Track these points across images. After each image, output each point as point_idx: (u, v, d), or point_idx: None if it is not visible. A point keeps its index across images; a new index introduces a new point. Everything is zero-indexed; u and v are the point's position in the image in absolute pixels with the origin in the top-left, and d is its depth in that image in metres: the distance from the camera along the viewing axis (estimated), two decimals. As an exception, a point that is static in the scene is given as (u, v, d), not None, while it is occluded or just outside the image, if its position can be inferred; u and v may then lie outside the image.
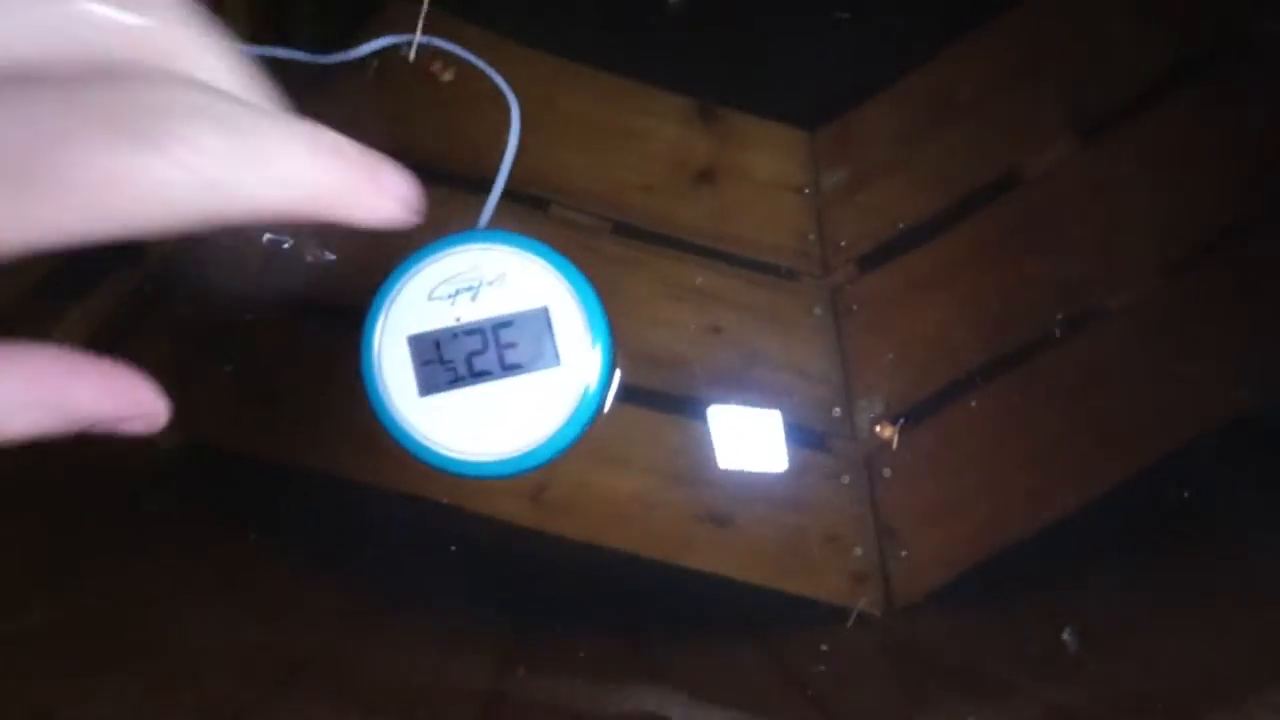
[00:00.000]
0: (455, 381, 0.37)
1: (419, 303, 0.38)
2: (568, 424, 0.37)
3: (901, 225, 0.56)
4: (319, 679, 0.39)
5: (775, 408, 0.54)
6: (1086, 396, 0.50)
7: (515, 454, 0.37)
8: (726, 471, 0.53)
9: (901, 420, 0.53)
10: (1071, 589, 0.46)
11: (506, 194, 0.55)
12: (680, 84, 0.59)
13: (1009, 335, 0.52)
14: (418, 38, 0.56)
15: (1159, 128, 0.54)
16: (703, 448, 0.54)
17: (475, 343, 0.37)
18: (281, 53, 0.54)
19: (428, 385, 0.36)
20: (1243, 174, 0.52)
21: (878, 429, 0.53)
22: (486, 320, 0.37)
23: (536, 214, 0.56)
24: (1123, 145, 0.54)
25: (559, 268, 0.38)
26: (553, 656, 0.45)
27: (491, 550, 0.52)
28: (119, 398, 0.17)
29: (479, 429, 0.37)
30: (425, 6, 0.57)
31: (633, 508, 0.53)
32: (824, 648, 0.50)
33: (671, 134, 0.59)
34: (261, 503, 0.51)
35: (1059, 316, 0.51)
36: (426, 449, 0.37)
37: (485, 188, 0.55)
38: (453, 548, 0.51)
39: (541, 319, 0.37)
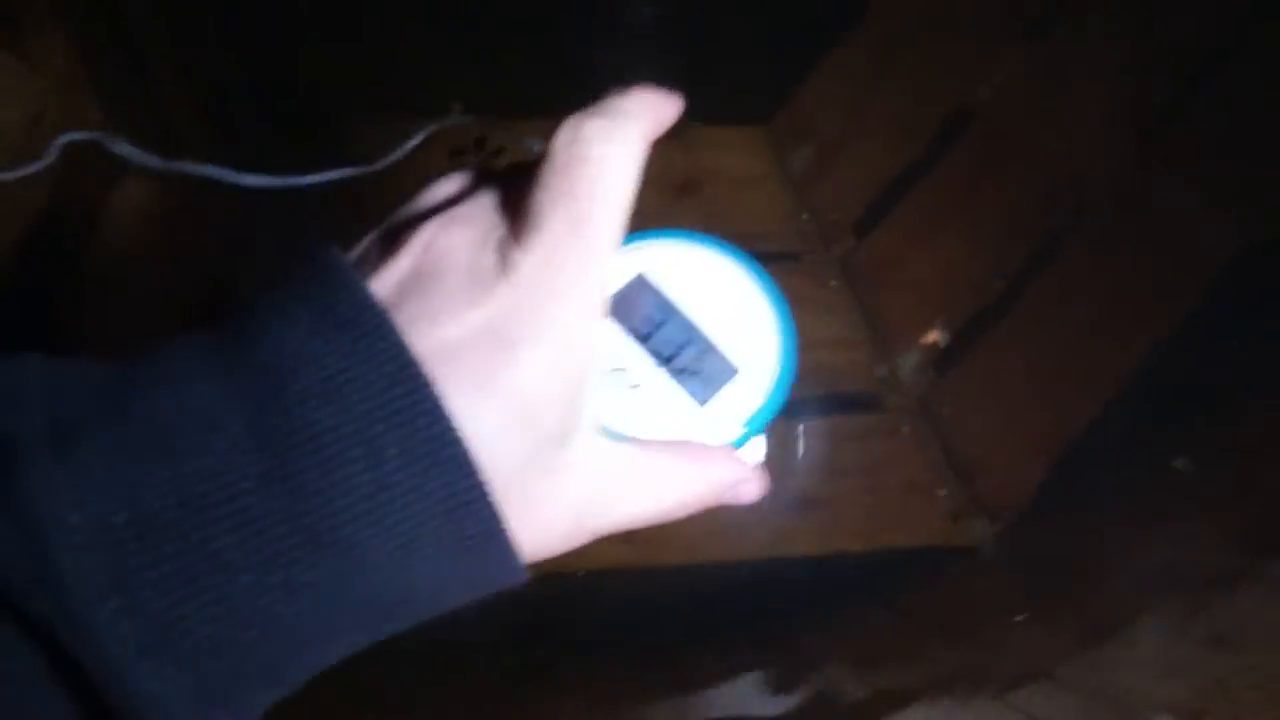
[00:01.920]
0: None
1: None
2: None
3: (880, 183, 0.58)
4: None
5: (818, 387, 0.56)
6: (1103, 278, 0.53)
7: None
8: (801, 460, 0.55)
9: (944, 330, 0.55)
10: (1168, 430, 0.48)
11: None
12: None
13: (1017, 249, 0.55)
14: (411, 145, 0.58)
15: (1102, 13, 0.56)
16: (770, 443, 0.55)
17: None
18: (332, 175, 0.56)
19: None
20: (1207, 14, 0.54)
21: (925, 340, 0.55)
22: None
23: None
24: (1070, 36, 0.56)
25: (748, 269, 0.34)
26: (717, 669, 0.46)
27: (612, 599, 0.53)
28: (741, 466, 0.25)
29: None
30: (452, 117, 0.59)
31: (720, 520, 0.55)
32: (946, 588, 0.51)
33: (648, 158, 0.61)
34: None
35: (1055, 217, 0.54)
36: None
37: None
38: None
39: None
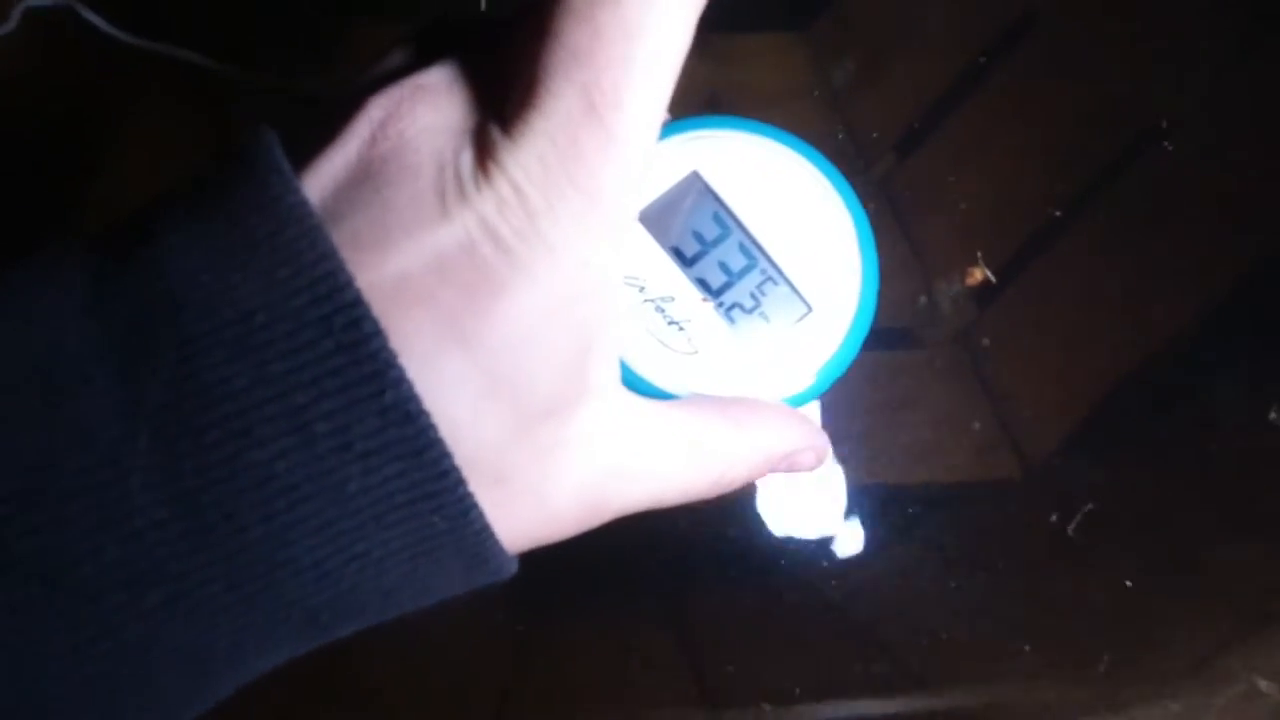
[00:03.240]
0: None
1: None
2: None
3: (927, 100, 0.55)
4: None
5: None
6: (1167, 213, 0.50)
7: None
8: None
9: (982, 261, 0.53)
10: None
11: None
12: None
13: (1072, 175, 0.51)
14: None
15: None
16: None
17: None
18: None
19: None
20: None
21: (969, 279, 0.53)
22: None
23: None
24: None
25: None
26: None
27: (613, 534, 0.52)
28: (798, 431, 0.21)
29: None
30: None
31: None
32: (973, 525, 0.50)
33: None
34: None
35: (1117, 142, 0.51)
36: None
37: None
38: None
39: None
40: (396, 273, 0.13)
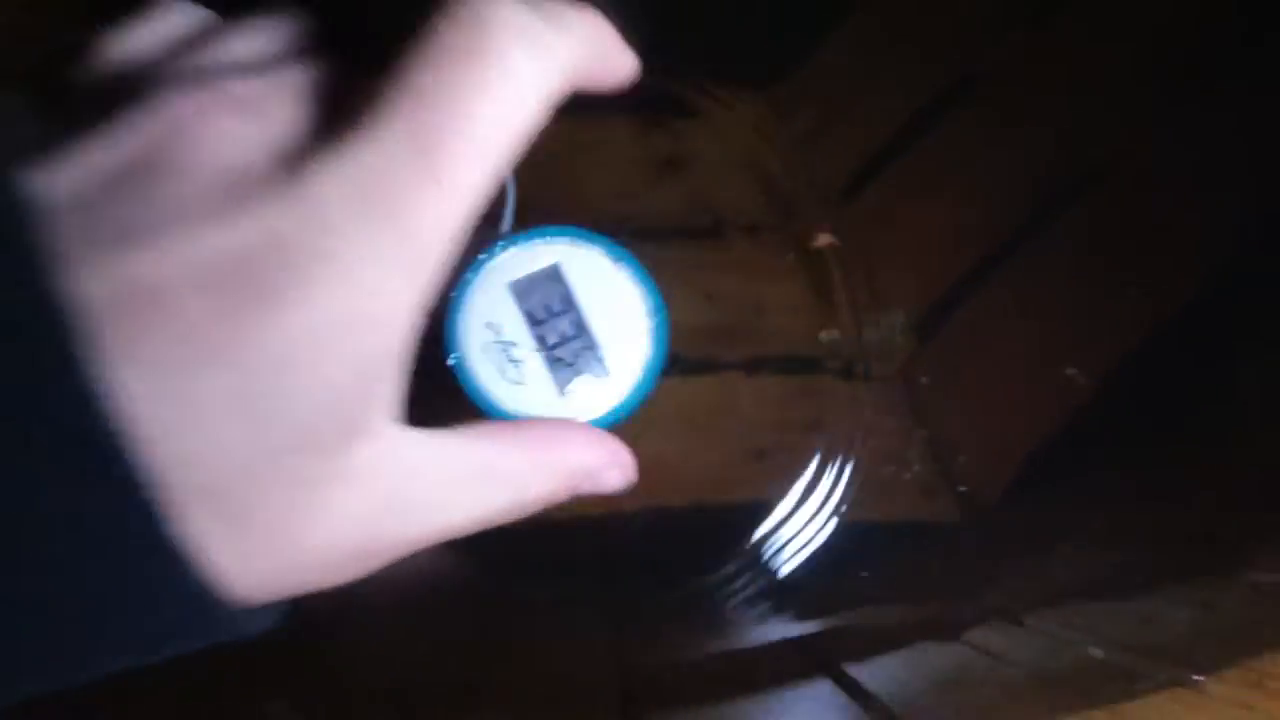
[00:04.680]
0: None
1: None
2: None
3: (870, 152, 0.57)
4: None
5: (798, 352, 0.55)
6: (1103, 253, 0.51)
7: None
8: (774, 421, 0.53)
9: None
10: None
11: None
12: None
13: (1009, 218, 0.53)
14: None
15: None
16: (730, 399, 0.54)
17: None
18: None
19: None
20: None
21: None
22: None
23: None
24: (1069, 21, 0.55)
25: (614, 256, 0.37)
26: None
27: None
28: (599, 449, 0.21)
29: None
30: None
31: (697, 470, 0.53)
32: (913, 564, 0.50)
33: (625, 132, 0.61)
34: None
35: (1050, 189, 0.52)
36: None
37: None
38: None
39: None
40: (142, 272, 0.12)
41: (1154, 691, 0.28)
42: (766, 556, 0.52)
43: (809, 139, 0.58)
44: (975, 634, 0.40)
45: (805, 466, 0.52)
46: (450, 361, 0.36)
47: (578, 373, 0.34)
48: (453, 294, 0.38)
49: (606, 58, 0.19)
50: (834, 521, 0.52)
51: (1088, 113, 0.54)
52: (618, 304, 0.36)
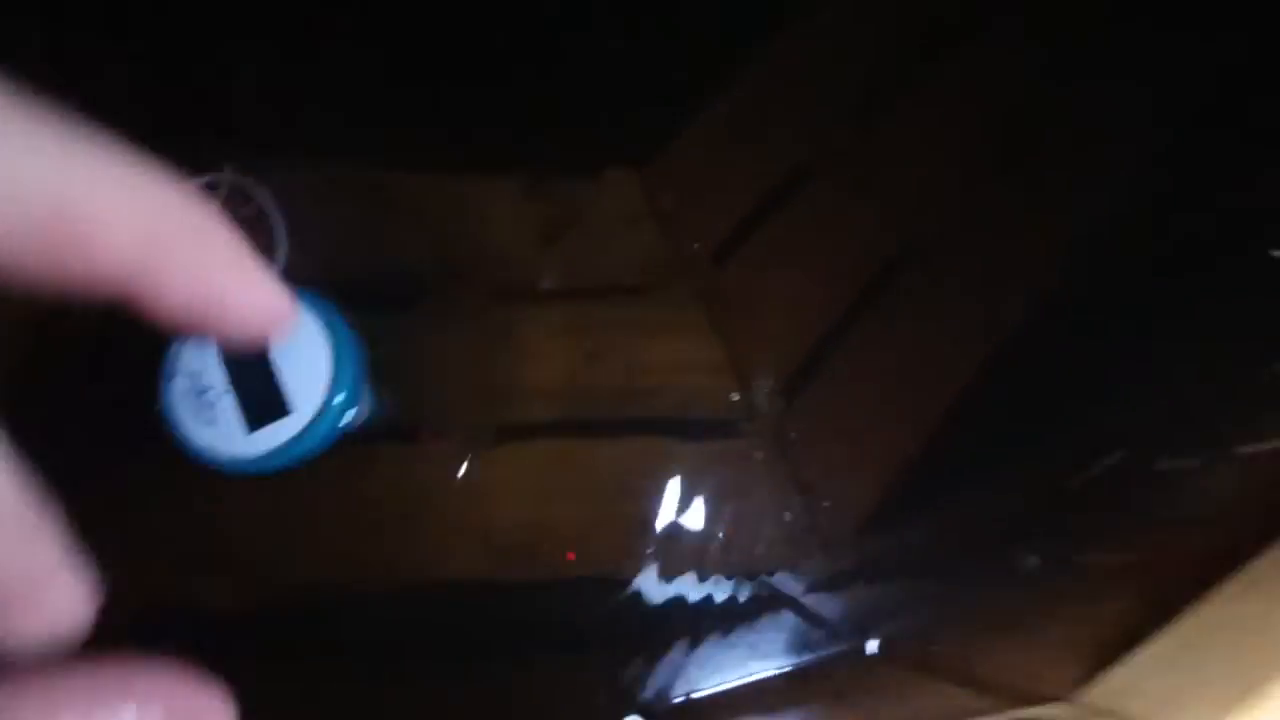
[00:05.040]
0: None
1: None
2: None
3: (741, 216, 0.62)
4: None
5: (670, 413, 0.58)
6: (928, 314, 0.58)
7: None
8: (652, 480, 0.56)
9: None
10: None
11: (387, 291, 0.58)
12: (505, 160, 0.63)
13: (860, 279, 0.59)
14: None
15: (936, 85, 0.63)
16: (621, 463, 0.57)
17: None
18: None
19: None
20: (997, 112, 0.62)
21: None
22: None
23: (420, 304, 0.59)
24: (897, 118, 0.63)
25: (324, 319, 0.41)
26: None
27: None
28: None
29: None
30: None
31: (575, 531, 0.55)
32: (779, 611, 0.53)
33: (514, 207, 0.63)
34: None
35: (886, 258, 0.59)
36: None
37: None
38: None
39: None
40: None
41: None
42: (649, 620, 0.54)
43: (679, 210, 0.63)
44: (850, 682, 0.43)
45: (691, 525, 0.55)
46: (158, 407, 0.41)
47: (265, 413, 0.38)
48: (165, 343, 0.41)
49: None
50: (719, 578, 0.55)
51: (905, 197, 0.61)
52: (308, 352, 0.40)
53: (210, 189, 0.56)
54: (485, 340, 0.59)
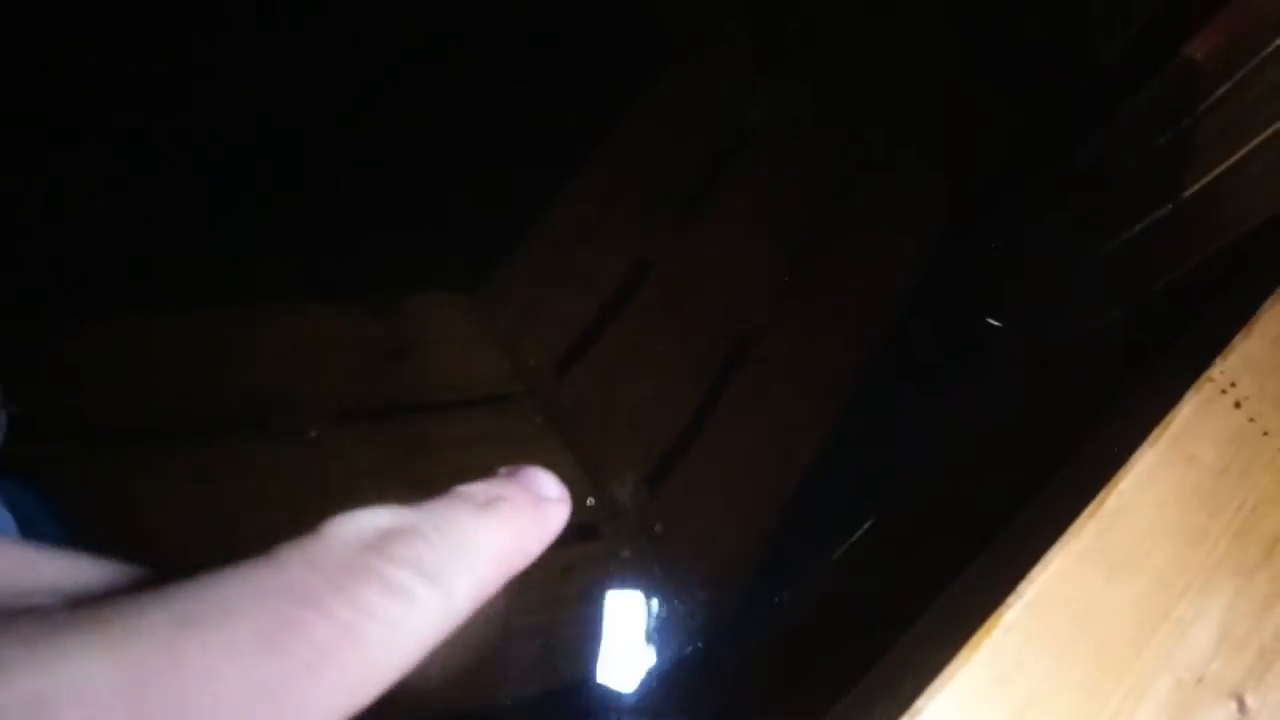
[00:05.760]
0: None
1: None
2: None
3: (576, 331, 0.64)
4: None
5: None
6: (770, 394, 0.62)
7: None
8: (519, 593, 0.54)
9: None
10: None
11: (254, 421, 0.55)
12: (344, 285, 0.63)
13: (700, 379, 0.62)
14: None
15: (736, 190, 0.70)
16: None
17: None
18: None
19: None
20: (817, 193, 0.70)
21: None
22: None
23: (260, 432, 0.56)
24: (715, 211, 0.69)
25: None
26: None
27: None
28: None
29: None
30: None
31: (428, 669, 0.51)
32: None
33: (354, 331, 0.62)
34: None
35: (725, 349, 0.63)
36: None
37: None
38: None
39: None
40: None
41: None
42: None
43: (516, 329, 0.64)
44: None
45: (570, 633, 0.53)
46: None
47: None
48: None
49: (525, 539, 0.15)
50: (592, 680, 0.53)
51: (737, 286, 0.67)
52: None
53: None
54: (328, 463, 0.56)
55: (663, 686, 0.53)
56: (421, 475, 0.57)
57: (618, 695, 0.52)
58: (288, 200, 0.62)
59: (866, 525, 0.54)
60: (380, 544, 0.12)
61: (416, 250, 0.66)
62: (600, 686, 0.52)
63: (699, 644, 0.54)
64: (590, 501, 0.59)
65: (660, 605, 0.55)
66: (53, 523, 0.50)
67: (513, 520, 0.15)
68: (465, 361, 0.64)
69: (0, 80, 0.57)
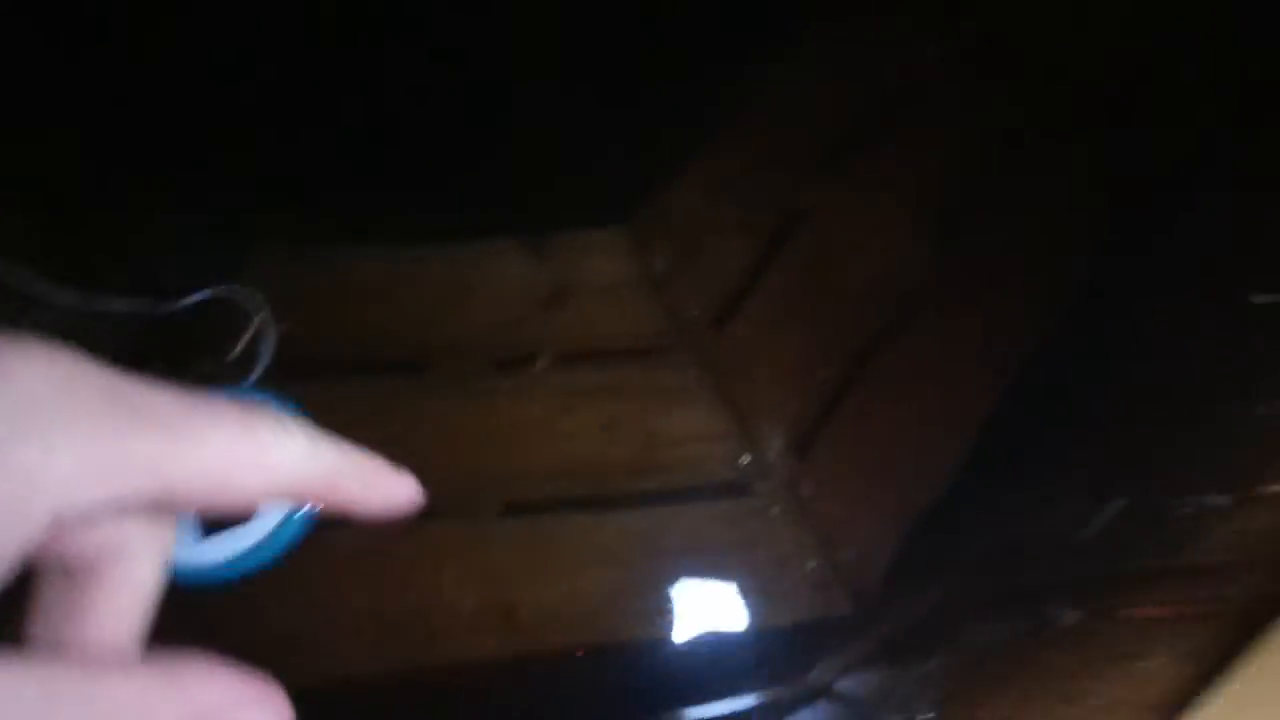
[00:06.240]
0: None
1: None
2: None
3: (734, 279, 0.63)
4: None
5: (683, 481, 0.58)
6: (929, 363, 0.59)
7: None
8: (673, 544, 0.56)
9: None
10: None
11: (393, 366, 0.58)
12: (501, 226, 0.64)
13: (859, 333, 0.60)
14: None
15: (898, 144, 0.64)
16: (635, 535, 0.57)
17: None
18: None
19: None
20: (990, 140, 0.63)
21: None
22: None
23: (424, 377, 0.59)
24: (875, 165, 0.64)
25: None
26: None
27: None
28: (235, 687, 0.17)
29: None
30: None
31: (596, 602, 0.55)
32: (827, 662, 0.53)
33: (512, 274, 0.63)
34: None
35: (880, 310, 0.60)
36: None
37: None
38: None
39: None
40: None
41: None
42: (688, 671, 0.54)
43: (674, 269, 0.63)
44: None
45: (720, 584, 0.55)
46: None
47: (222, 518, 0.37)
48: None
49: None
50: (746, 633, 0.55)
51: (899, 240, 0.63)
52: None
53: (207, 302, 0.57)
54: (489, 412, 0.59)
55: (802, 646, 0.55)
56: (573, 428, 0.59)
57: (755, 649, 0.55)
58: (444, 141, 0.62)
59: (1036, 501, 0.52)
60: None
61: (572, 192, 0.65)
62: (738, 640, 0.55)
63: (845, 609, 0.55)
64: (744, 459, 0.59)
65: (806, 566, 0.56)
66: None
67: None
68: (622, 310, 0.64)
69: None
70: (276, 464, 0.18)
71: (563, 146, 0.64)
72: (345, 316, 0.60)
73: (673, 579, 0.55)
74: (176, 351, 0.56)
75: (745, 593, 0.56)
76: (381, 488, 0.21)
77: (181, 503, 0.17)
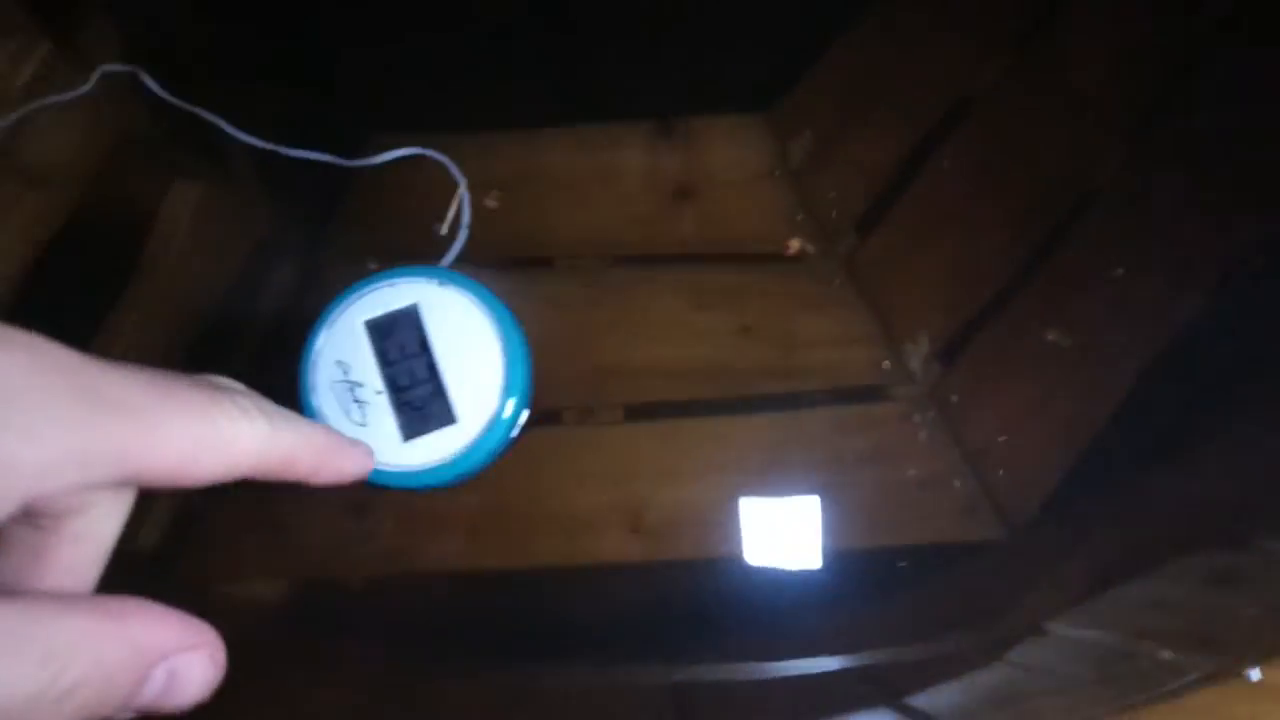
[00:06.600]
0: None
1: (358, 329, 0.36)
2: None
3: (882, 178, 0.58)
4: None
5: (824, 383, 0.55)
6: (1107, 271, 0.53)
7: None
8: (808, 450, 0.53)
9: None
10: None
11: (513, 261, 0.56)
12: (630, 109, 0.61)
13: (1017, 244, 0.54)
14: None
15: (1078, 30, 0.58)
16: (768, 439, 0.54)
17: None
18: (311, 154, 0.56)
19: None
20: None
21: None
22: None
23: (544, 271, 0.57)
24: (1054, 52, 0.58)
25: (487, 306, 0.37)
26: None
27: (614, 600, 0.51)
28: (180, 630, 0.18)
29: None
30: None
31: (726, 510, 0.53)
32: (957, 583, 0.50)
33: (639, 161, 0.60)
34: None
35: (1053, 214, 0.54)
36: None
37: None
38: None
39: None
40: None
41: (1205, 686, 0.28)
42: (822, 587, 0.52)
43: (815, 163, 0.59)
44: (1015, 651, 0.41)
45: (857, 496, 0.52)
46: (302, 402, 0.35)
47: (424, 419, 0.33)
48: (310, 328, 0.36)
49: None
50: (883, 547, 0.52)
51: (1078, 133, 0.56)
52: (475, 351, 0.35)
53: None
54: (626, 310, 0.57)
55: (941, 559, 0.52)
56: (705, 328, 0.56)
57: (892, 560, 0.52)
58: (576, 22, 0.60)
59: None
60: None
61: (705, 75, 0.61)
62: (875, 549, 0.52)
63: (998, 534, 0.52)
64: (885, 364, 0.56)
65: (953, 483, 0.53)
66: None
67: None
68: (758, 205, 0.60)
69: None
70: (236, 448, 0.19)
71: (697, 31, 0.60)
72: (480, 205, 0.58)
73: (805, 488, 0.53)
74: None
75: (882, 507, 0.53)
76: (334, 464, 0.23)
77: (145, 482, 0.18)
